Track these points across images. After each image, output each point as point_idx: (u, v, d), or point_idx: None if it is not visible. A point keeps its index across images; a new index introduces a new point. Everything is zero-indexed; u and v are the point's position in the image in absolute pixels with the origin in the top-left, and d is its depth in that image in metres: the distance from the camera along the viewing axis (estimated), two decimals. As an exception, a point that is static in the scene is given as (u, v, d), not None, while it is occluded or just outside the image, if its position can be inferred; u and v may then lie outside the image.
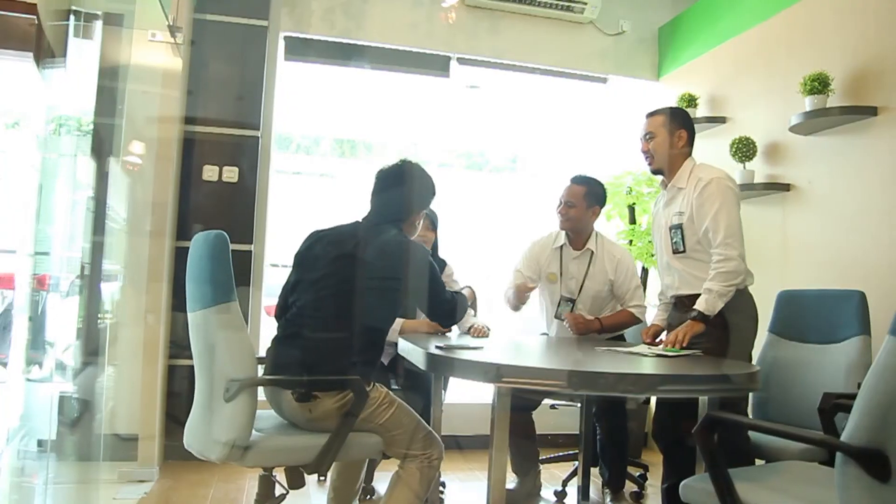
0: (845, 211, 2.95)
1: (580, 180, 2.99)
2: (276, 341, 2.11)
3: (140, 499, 2.85)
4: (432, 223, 3.00)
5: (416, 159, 2.38)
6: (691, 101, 3.87)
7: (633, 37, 4.41)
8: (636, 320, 2.96)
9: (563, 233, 3.02)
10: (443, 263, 3.10)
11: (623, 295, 2.98)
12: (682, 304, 2.59)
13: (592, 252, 2.98)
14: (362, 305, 2.02)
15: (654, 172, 2.71)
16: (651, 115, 2.67)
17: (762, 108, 3.48)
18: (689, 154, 2.64)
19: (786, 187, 3.27)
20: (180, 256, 3.55)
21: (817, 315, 2.60)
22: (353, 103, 4.48)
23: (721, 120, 3.75)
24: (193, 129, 3.58)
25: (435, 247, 3.06)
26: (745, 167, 3.40)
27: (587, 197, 2.94)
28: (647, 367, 1.98)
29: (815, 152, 3.13)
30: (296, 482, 1.88)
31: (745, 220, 3.48)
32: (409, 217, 2.25)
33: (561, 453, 3.50)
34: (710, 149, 3.80)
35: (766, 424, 1.73)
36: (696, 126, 3.81)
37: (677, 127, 2.61)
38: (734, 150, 3.38)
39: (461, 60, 4.19)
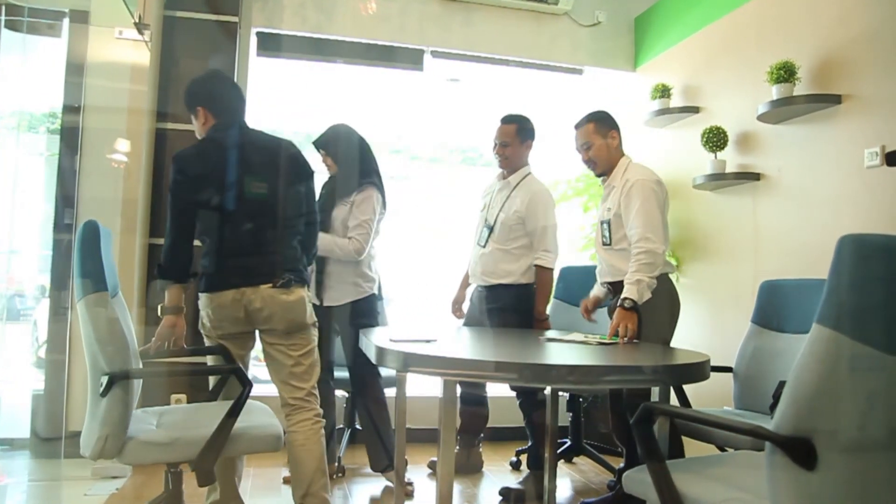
0: (814, 199, 2.95)
1: (510, 119, 3.17)
2: (226, 253, 2.26)
3: (111, 494, 2.87)
4: (321, 147, 3.10)
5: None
6: (665, 91, 3.85)
7: (609, 28, 4.39)
8: (547, 271, 3.10)
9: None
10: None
11: (533, 233, 3.09)
12: (612, 290, 2.81)
13: (512, 185, 3.15)
14: (298, 210, 2.40)
15: (599, 176, 2.89)
16: (580, 125, 2.84)
17: (733, 97, 3.47)
18: (623, 152, 2.84)
19: (756, 176, 3.27)
20: (154, 254, 3.58)
21: (795, 305, 2.62)
22: (335, 99, 4.47)
23: (694, 110, 3.74)
24: (165, 126, 3.58)
25: (345, 160, 3.10)
26: (716, 157, 3.39)
27: (519, 133, 3.14)
28: (578, 357, 2.00)
29: (784, 141, 3.13)
30: (204, 479, 1.83)
31: (717, 210, 3.54)
32: None
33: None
34: (684, 139, 3.81)
35: (697, 414, 1.73)
36: (670, 116, 3.85)
37: (608, 129, 2.80)
38: (705, 139, 3.38)
39: (435, 53, 4.17)
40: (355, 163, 3.06)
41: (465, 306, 3.43)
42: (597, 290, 2.95)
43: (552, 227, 3.12)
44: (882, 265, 1.21)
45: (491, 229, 3.14)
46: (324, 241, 2.89)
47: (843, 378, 1.25)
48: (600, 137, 2.78)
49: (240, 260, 2.26)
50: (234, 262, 2.26)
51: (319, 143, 3.10)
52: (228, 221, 2.25)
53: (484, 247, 3.15)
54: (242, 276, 2.24)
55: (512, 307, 3.08)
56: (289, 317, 2.28)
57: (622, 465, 3.33)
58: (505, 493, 3.06)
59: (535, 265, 3.08)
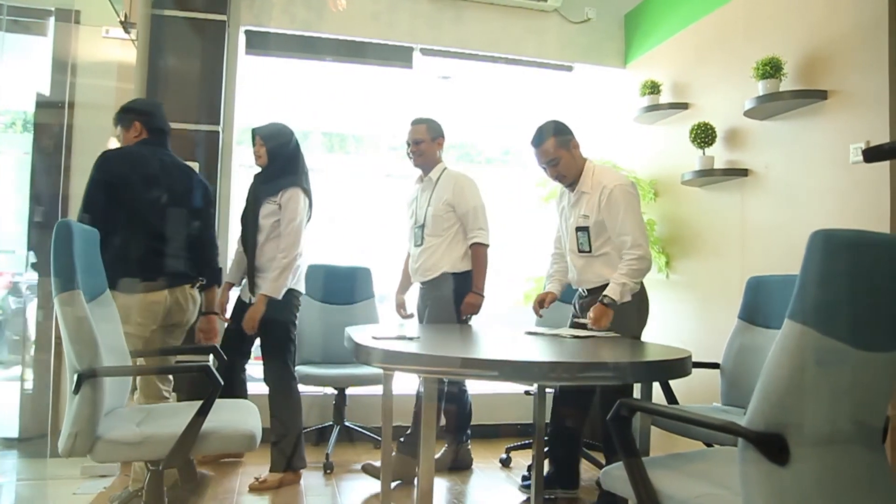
0: (800, 194, 2.95)
1: (419, 121, 3.29)
2: (158, 253, 2.55)
3: (99, 493, 2.87)
4: (258, 134, 3.13)
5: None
6: (654, 87, 3.84)
7: (599, 24, 4.38)
8: (483, 247, 3.19)
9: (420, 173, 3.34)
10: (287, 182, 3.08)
11: (465, 215, 3.18)
12: (589, 292, 2.86)
13: (433, 180, 3.25)
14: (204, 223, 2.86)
15: (569, 186, 2.89)
16: (539, 143, 2.82)
17: (721, 93, 3.47)
18: (583, 156, 2.88)
19: (744, 172, 3.26)
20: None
21: (781, 301, 2.60)
22: (324, 97, 4.46)
23: (683, 106, 3.73)
24: (153, 125, 3.57)
25: (278, 157, 3.10)
26: (704, 153, 3.39)
27: (429, 131, 3.27)
28: (557, 354, 2.00)
29: (771, 137, 3.12)
30: (188, 477, 1.85)
31: (706, 206, 3.55)
32: None
33: (527, 441, 3.53)
34: (673, 135, 3.81)
35: (671, 410, 1.73)
36: (659, 112, 3.85)
37: (567, 140, 2.82)
38: (693, 136, 3.37)
39: (424, 51, 4.16)
40: (285, 161, 3.10)
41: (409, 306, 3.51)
42: (555, 287, 3.02)
43: (481, 206, 3.22)
44: (849, 260, 1.21)
45: (422, 227, 3.24)
46: (275, 276, 2.97)
47: (813, 373, 1.25)
48: (564, 151, 2.80)
49: (170, 261, 2.56)
50: (166, 262, 2.55)
51: (258, 130, 3.14)
52: (156, 224, 2.55)
53: (419, 245, 3.24)
54: (173, 277, 2.57)
55: (453, 295, 3.16)
56: (195, 314, 2.75)
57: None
58: (366, 467, 3.22)
59: (472, 243, 3.18)
